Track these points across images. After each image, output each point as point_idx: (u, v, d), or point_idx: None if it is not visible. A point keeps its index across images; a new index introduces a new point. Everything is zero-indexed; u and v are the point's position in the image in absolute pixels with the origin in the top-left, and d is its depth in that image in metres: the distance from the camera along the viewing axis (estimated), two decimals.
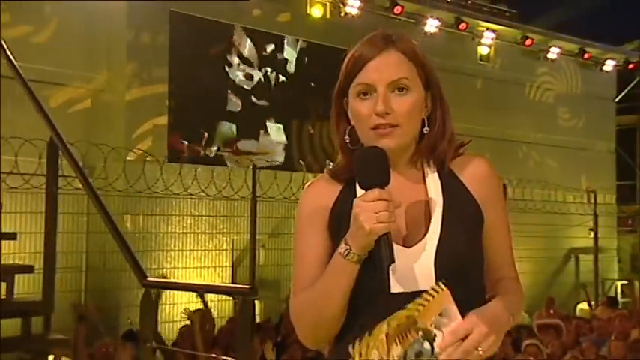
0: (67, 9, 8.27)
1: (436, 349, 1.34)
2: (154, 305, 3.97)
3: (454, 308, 1.36)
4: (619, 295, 12.04)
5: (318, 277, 1.52)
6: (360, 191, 1.50)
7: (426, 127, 1.55)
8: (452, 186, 1.56)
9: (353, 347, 1.37)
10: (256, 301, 8.07)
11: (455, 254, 1.48)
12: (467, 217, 1.54)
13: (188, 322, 6.53)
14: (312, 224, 1.60)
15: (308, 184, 1.67)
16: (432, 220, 1.51)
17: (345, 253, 1.45)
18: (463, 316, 1.38)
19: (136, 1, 8.41)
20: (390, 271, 1.44)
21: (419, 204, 1.54)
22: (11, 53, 4.45)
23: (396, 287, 1.46)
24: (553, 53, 12.70)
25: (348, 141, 1.57)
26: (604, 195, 12.37)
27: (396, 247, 1.45)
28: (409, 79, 1.51)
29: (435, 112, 1.57)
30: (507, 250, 1.62)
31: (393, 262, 1.43)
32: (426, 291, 1.38)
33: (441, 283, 1.37)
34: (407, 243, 1.51)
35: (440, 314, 1.35)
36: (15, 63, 4.45)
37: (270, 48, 9.76)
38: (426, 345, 1.35)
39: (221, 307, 8.11)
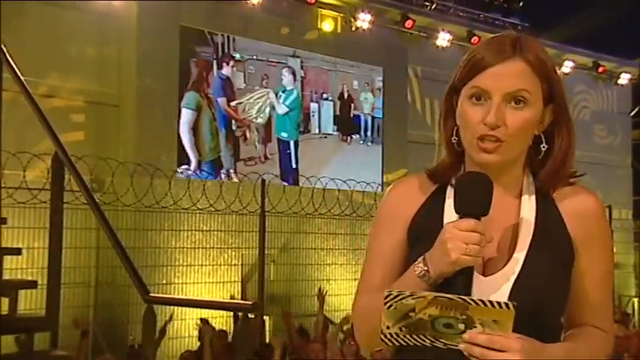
0: (78, 23, 8.31)
1: (465, 335, 1.29)
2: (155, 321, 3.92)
3: (511, 326, 1.28)
4: (636, 312, 11.82)
5: (387, 281, 1.45)
6: (449, 205, 1.43)
7: (543, 144, 1.44)
8: (548, 216, 1.44)
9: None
10: (266, 317, 8.01)
11: (533, 292, 1.38)
12: (555, 253, 1.42)
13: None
14: (391, 225, 1.51)
15: (397, 181, 1.59)
16: (517, 251, 1.41)
17: (421, 274, 1.36)
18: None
19: (146, 17, 8.44)
20: None
21: (507, 228, 1.44)
22: (17, 67, 4.44)
23: None
24: (567, 67, 12.60)
25: (455, 141, 1.46)
26: (620, 210, 12.18)
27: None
28: (529, 93, 1.39)
29: (559, 132, 1.46)
30: (599, 298, 1.48)
31: (469, 295, 1.34)
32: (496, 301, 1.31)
33: (511, 304, 1.28)
34: (485, 270, 1.41)
35: (494, 321, 1.28)
36: (21, 77, 4.43)
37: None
38: (461, 325, 1.29)
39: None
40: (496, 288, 1.39)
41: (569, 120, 1.46)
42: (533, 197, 1.45)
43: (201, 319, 6.61)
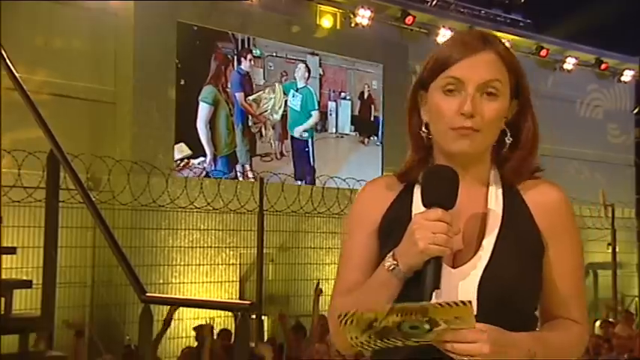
0: (76, 22, 8.25)
1: (431, 335, 1.29)
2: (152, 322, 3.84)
3: (473, 320, 1.29)
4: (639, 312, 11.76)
5: (361, 282, 1.46)
6: (417, 200, 1.44)
7: (509, 137, 1.46)
8: (514, 207, 1.46)
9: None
10: (264, 317, 7.95)
11: (502, 281, 1.39)
12: (523, 244, 1.43)
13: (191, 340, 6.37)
14: (362, 226, 1.52)
15: (366, 183, 1.60)
16: (485, 241, 1.42)
17: (391, 269, 1.37)
18: None
19: (143, 14, 8.38)
20: (433, 296, 1.35)
21: (474, 219, 1.45)
22: (12, 64, 4.37)
23: None
24: (569, 64, 12.54)
25: (424, 135, 1.48)
26: (622, 209, 12.11)
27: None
28: (500, 83, 1.41)
29: (524, 126, 1.48)
30: (570, 290, 1.48)
31: (438, 288, 1.34)
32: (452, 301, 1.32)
33: (467, 301, 1.28)
34: (454, 262, 1.43)
35: (456, 317, 1.28)
36: (16, 74, 4.37)
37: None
38: (426, 326, 1.28)
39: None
40: (465, 279, 1.40)
41: (533, 114, 1.49)
42: (500, 190, 1.46)
43: (196, 328, 6.53)
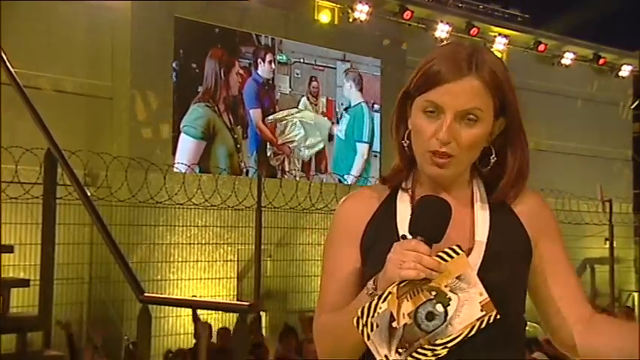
0: (72, 16, 8.22)
1: (449, 314, 1.29)
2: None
3: (473, 274, 1.31)
4: (637, 307, 11.80)
5: (345, 297, 1.47)
6: (400, 213, 1.47)
7: (494, 156, 1.47)
8: (501, 215, 1.49)
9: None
10: (262, 313, 7.95)
11: (493, 288, 1.38)
12: (512, 250, 1.47)
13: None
14: (344, 240, 1.52)
15: (347, 196, 1.59)
16: (474, 249, 1.43)
17: (369, 293, 1.39)
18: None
19: (140, 9, 8.35)
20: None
21: (462, 229, 1.46)
22: (9, 62, 4.36)
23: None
24: (567, 59, 12.54)
25: (406, 145, 1.49)
26: (620, 204, 12.13)
27: None
28: (481, 110, 1.41)
29: (513, 145, 1.48)
30: (576, 283, 1.53)
31: None
32: (441, 253, 1.32)
33: (456, 247, 1.32)
34: None
35: (458, 278, 1.29)
36: (12, 71, 4.35)
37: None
38: (439, 308, 1.29)
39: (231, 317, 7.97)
40: None
41: (522, 132, 1.48)
42: (486, 204, 1.49)
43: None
